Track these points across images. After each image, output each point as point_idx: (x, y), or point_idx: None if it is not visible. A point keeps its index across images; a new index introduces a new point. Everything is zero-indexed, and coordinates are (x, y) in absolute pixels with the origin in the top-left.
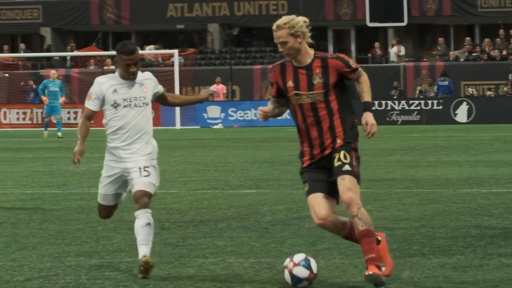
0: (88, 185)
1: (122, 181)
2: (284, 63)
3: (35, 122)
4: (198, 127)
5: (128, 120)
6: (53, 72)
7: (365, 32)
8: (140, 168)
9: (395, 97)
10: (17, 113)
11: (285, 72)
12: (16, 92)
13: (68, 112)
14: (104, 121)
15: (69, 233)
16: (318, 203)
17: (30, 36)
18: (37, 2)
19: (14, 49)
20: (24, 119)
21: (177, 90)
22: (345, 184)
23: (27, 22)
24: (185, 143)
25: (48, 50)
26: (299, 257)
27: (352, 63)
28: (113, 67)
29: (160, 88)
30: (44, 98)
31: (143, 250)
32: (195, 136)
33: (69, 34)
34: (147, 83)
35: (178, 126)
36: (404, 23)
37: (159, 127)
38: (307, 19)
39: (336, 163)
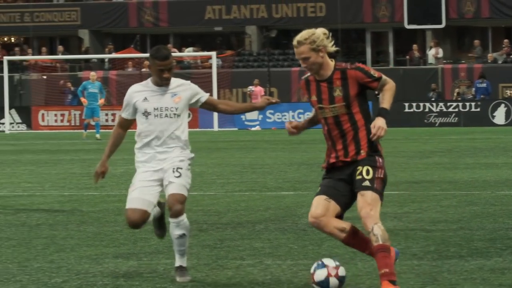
0: (126, 187)
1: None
2: (307, 77)
3: (73, 124)
4: (236, 129)
5: (159, 130)
6: (92, 74)
7: (403, 34)
8: (173, 168)
9: (433, 99)
10: (55, 115)
11: (309, 86)
12: (54, 94)
13: (106, 114)
14: (136, 132)
15: (106, 235)
16: (317, 203)
17: (68, 38)
18: (76, 5)
19: (52, 52)
20: (62, 121)
21: (215, 92)
22: (364, 199)
23: (65, 24)
24: (223, 145)
25: (86, 52)
26: (329, 261)
27: (374, 72)
28: None
29: (202, 96)
30: (83, 99)
31: (179, 261)
32: (233, 138)
33: (107, 36)
34: (181, 93)
35: (216, 128)
36: (442, 25)
37: (197, 129)
38: (326, 31)
39: (357, 177)
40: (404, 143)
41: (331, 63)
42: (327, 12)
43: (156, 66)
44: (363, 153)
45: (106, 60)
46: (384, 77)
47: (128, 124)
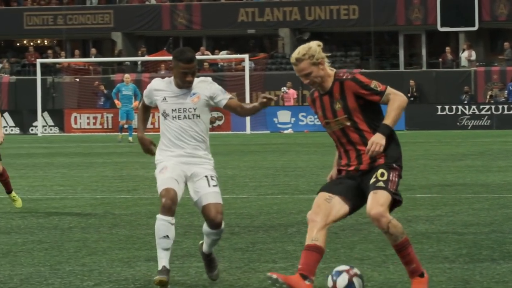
0: None
1: (184, 177)
2: (312, 93)
3: (105, 127)
4: (268, 132)
5: (179, 131)
6: (126, 76)
7: (436, 36)
8: (207, 176)
9: (465, 102)
10: (88, 117)
11: (315, 103)
12: (86, 97)
13: None
14: (160, 130)
15: (139, 238)
16: (317, 205)
17: (101, 41)
18: (109, 7)
19: (85, 54)
20: (94, 123)
21: (247, 95)
22: (376, 198)
23: (98, 27)
24: (255, 148)
25: (119, 55)
26: (341, 267)
27: (376, 85)
28: None
29: (223, 99)
30: (117, 101)
31: (208, 249)
32: (265, 141)
33: (140, 38)
34: (200, 91)
35: (248, 131)
36: (475, 28)
37: (230, 132)
38: (320, 43)
39: (372, 180)
40: (436, 146)
41: (331, 73)
42: (360, 14)
43: (180, 68)
44: (380, 159)
45: (139, 62)
46: (390, 90)
47: (150, 107)
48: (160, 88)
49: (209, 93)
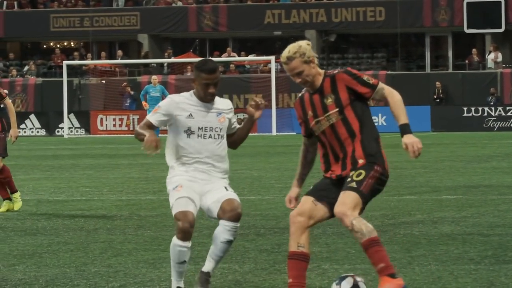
0: None
1: (199, 197)
2: (302, 95)
3: (131, 128)
4: (294, 133)
5: (202, 151)
6: (153, 78)
7: (463, 38)
8: (225, 187)
9: (491, 103)
10: (114, 119)
11: (304, 103)
12: (112, 99)
13: None
14: (169, 146)
15: (164, 239)
16: (302, 205)
17: (127, 43)
18: (135, 9)
19: (111, 56)
20: (120, 125)
21: (273, 97)
22: (343, 197)
23: (124, 29)
24: (281, 149)
25: (145, 57)
26: (344, 274)
27: (368, 78)
28: None
29: (235, 127)
30: (144, 103)
31: (208, 267)
32: (291, 143)
33: (166, 40)
34: (226, 113)
35: (274, 132)
36: (502, 30)
37: (256, 134)
38: (309, 41)
39: (347, 180)
40: (462, 147)
41: (321, 72)
42: (386, 16)
43: (202, 79)
44: (361, 161)
45: (165, 64)
46: (382, 86)
47: (151, 129)
48: (184, 102)
49: (231, 117)
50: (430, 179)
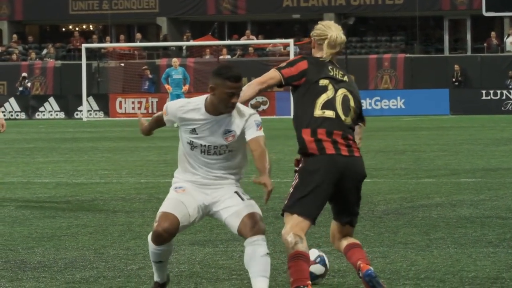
0: None
1: (203, 206)
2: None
3: (150, 111)
4: None
5: (206, 164)
6: (174, 60)
7: (481, 21)
8: (237, 192)
9: (510, 86)
10: (132, 102)
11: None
12: (131, 82)
13: None
14: (179, 152)
15: None
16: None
17: (146, 26)
18: None
19: (130, 39)
20: (139, 108)
21: None
22: None
23: (143, 12)
24: None
25: (164, 40)
26: (313, 254)
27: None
28: (228, 56)
29: (252, 133)
30: (167, 86)
31: (262, 284)
32: None
33: (185, 23)
34: (236, 129)
35: (292, 115)
36: None
37: (274, 117)
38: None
39: None
40: (481, 130)
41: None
42: None
43: (227, 88)
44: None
45: (184, 47)
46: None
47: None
48: (191, 113)
49: (242, 130)
50: (449, 162)
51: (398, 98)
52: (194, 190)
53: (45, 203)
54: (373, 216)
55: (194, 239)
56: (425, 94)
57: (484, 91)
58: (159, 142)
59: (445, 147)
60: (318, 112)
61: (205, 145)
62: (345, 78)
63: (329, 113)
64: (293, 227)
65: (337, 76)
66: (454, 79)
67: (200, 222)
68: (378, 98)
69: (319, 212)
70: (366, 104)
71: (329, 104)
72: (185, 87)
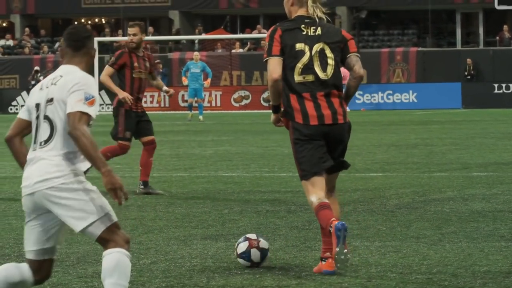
0: (215, 168)
1: None
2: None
3: (162, 105)
4: None
5: None
6: (195, 54)
7: (494, 15)
8: None
9: None
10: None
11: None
12: None
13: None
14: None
15: (195, 216)
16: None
17: (158, 20)
18: None
19: None
20: (151, 102)
21: None
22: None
23: (155, 6)
24: None
25: (177, 34)
26: (252, 235)
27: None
28: (241, 50)
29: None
30: (184, 78)
31: None
32: None
33: (197, 17)
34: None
35: None
36: None
37: None
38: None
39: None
40: (493, 124)
41: None
42: None
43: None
44: None
45: (196, 41)
46: None
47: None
48: None
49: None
50: (461, 156)
51: (410, 91)
52: None
53: None
54: (385, 210)
55: (206, 234)
56: (437, 87)
57: (496, 85)
58: (171, 136)
59: (457, 141)
60: (298, 78)
61: None
62: (318, 32)
63: (309, 77)
64: (312, 191)
65: (310, 33)
66: (466, 73)
67: (212, 217)
68: (390, 91)
69: (325, 161)
70: (378, 97)
71: (307, 69)
72: (207, 81)
